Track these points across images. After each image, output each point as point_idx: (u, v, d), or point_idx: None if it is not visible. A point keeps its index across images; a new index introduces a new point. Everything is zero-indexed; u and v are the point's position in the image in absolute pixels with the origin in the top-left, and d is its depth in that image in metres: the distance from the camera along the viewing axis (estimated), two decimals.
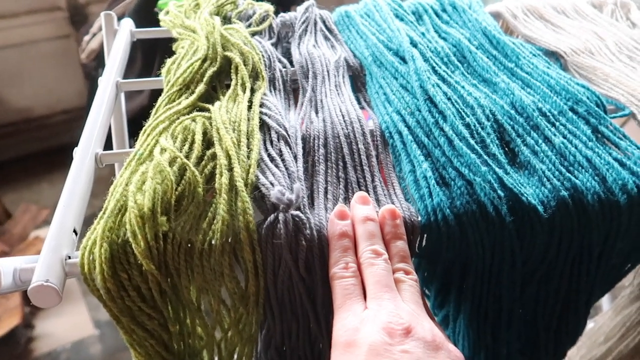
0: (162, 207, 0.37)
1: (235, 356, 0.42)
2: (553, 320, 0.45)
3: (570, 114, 0.49)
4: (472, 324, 0.45)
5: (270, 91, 0.54)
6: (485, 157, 0.42)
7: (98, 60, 1.30)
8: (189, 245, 0.37)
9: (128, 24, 0.66)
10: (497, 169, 0.41)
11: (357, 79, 0.58)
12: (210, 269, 0.37)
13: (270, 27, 0.65)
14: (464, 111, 0.47)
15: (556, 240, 0.40)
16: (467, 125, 0.46)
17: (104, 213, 0.38)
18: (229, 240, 0.37)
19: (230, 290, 0.37)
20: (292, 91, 0.56)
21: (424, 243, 0.40)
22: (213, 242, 0.37)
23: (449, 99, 0.48)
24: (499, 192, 0.40)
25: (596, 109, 0.49)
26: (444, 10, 0.67)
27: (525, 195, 0.40)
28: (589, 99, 0.51)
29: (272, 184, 0.40)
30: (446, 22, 0.65)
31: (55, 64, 2.05)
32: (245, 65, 0.53)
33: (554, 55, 0.62)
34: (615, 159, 0.45)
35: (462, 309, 0.44)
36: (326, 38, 0.64)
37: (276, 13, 0.68)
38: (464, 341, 0.47)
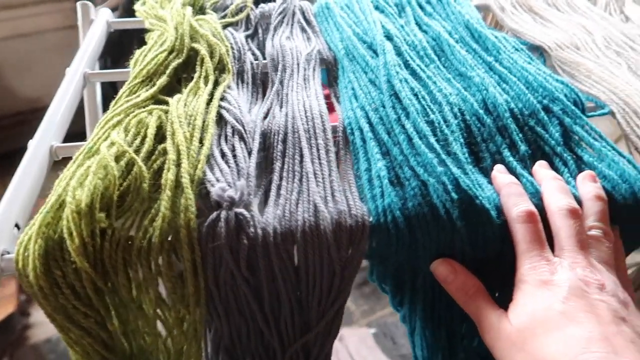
0: (102, 203, 0.36)
1: (184, 357, 0.41)
2: None
3: (543, 113, 0.46)
4: (427, 326, 0.43)
5: (238, 84, 0.52)
6: (445, 156, 0.40)
7: None
8: (129, 242, 0.36)
9: (105, 14, 0.65)
10: (454, 170, 0.39)
11: (330, 73, 0.56)
12: (149, 268, 0.36)
13: (248, 18, 0.64)
14: (429, 108, 0.45)
15: (509, 247, 0.38)
16: (431, 123, 0.44)
17: (44, 208, 0.37)
18: (169, 238, 0.36)
19: (168, 289, 0.36)
20: (262, 84, 0.55)
21: (374, 244, 0.39)
22: (153, 239, 0.36)
23: (415, 94, 0.46)
24: (453, 194, 0.38)
25: (572, 107, 0.47)
26: (428, 2, 0.65)
27: (480, 198, 0.38)
28: (567, 97, 0.49)
29: (218, 180, 0.38)
30: (429, 14, 0.63)
31: (62, 54, 2.06)
32: (211, 57, 0.51)
33: (539, 50, 0.59)
34: (586, 163, 0.43)
35: (417, 310, 0.43)
36: (303, 30, 0.62)
37: (257, 3, 0.67)
38: (421, 341, 0.45)
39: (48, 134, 0.46)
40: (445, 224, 0.37)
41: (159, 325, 0.40)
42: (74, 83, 0.53)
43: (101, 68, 0.63)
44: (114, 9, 1.00)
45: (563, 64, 0.56)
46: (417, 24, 0.61)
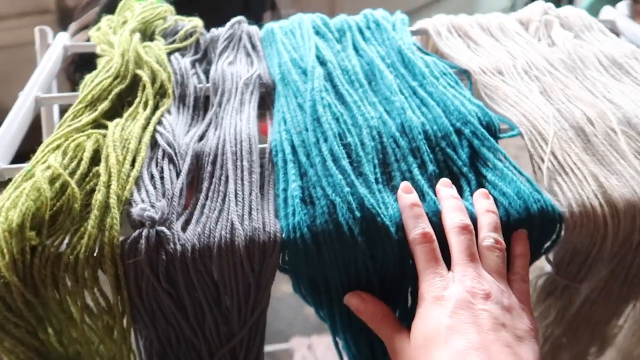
0: (33, 222, 0.39)
1: None
2: None
3: (454, 136, 0.51)
4: (348, 336, 0.47)
5: (179, 107, 0.56)
6: (354, 177, 0.44)
7: (75, 64, 1.34)
8: (58, 258, 0.39)
9: (62, 38, 0.69)
10: (361, 190, 0.43)
11: (268, 97, 0.60)
12: (76, 281, 0.39)
13: (197, 42, 0.68)
14: (349, 131, 0.49)
15: (409, 261, 0.42)
16: (347, 145, 0.48)
17: None
18: (94, 254, 0.39)
19: (93, 301, 0.40)
20: (204, 107, 0.59)
21: (287, 258, 0.42)
22: (80, 255, 0.39)
23: (337, 119, 0.51)
24: (356, 212, 0.42)
25: (482, 130, 0.51)
26: (368, 28, 0.69)
27: (381, 216, 0.42)
28: (480, 119, 0.53)
29: (142, 200, 0.42)
30: (367, 39, 0.67)
31: None
32: (153, 83, 0.55)
33: (467, 73, 0.64)
34: (489, 181, 0.47)
35: (337, 320, 0.46)
36: (247, 54, 0.66)
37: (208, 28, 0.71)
38: (347, 351, 0.49)
39: None
40: (348, 240, 0.41)
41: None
42: (25, 107, 0.56)
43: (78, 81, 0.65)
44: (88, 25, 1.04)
45: (485, 88, 0.60)
46: (355, 48, 0.65)
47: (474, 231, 0.43)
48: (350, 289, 0.44)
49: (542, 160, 0.50)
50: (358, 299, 0.43)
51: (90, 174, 0.45)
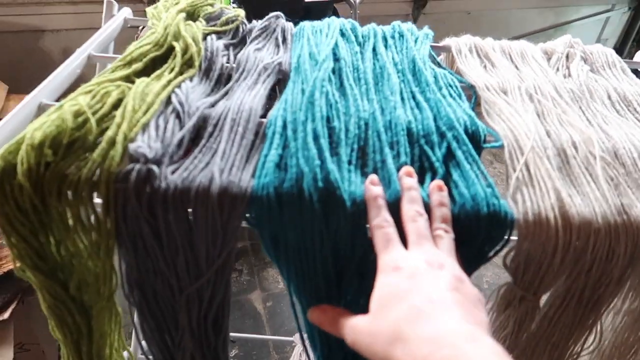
0: (52, 143, 0.48)
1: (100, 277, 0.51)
2: None
3: (435, 136, 0.54)
4: (300, 296, 0.52)
5: (202, 79, 0.64)
6: (327, 154, 0.49)
7: None
8: (66, 175, 0.47)
9: (124, 12, 0.79)
10: (329, 165, 0.48)
11: (284, 83, 0.66)
12: (74, 197, 0.47)
13: (237, 29, 0.76)
14: (337, 117, 0.55)
15: (361, 235, 0.46)
16: (332, 128, 0.53)
17: (13, 139, 0.49)
18: (94, 177, 0.47)
19: (86, 217, 0.47)
20: (226, 83, 0.66)
21: (253, 213, 0.48)
22: (82, 175, 0.47)
23: (330, 105, 0.56)
24: (319, 183, 0.47)
25: (464, 136, 0.55)
26: (392, 37, 0.75)
27: (340, 189, 0.47)
28: (467, 127, 0.56)
29: (143, 141, 0.49)
30: (388, 46, 0.72)
31: None
32: (183, 54, 0.63)
33: (473, 88, 0.67)
34: (453, 180, 0.51)
35: (292, 277, 0.51)
36: (277, 45, 0.73)
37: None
38: (302, 309, 0.53)
39: (42, 93, 0.59)
40: (307, 205, 0.46)
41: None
42: (78, 60, 0.66)
43: None
44: None
45: (485, 102, 0.64)
46: (374, 52, 0.71)
47: (428, 219, 0.47)
48: (306, 249, 0.48)
49: (515, 171, 0.53)
50: (318, 310, 0.48)
51: (110, 116, 0.53)
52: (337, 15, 1.57)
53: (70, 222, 0.48)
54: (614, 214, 0.49)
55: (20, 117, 0.55)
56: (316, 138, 0.51)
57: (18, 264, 0.50)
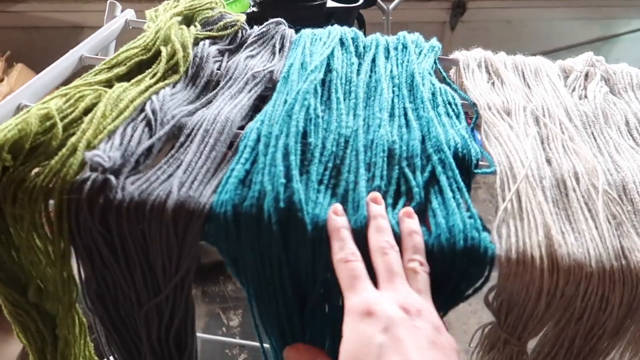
0: (12, 147, 0.46)
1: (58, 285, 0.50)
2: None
3: (419, 159, 0.50)
4: (262, 314, 0.48)
5: (187, 85, 0.62)
6: (295, 172, 0.46)
7: None
8: (22, 181, 0.46)
9: (127, 13, 0.78)
10: (295, 185, 0.45)
11: (271, 91, 0.63)
12: (29, 204, 0.45)
13: (236, 35, 0.73)
14: (315, 132, 0.51)
15: (323, 263, 0.43)
16: (306, 144, 0.50)
17: None
18: (50, 185, 0.45)
19: (38, 223, 0.46)
20: (212, 90, 0.64)
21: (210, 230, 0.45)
22: (38, 182, 0.45)
23: (309, 119, 0.53)
24: (281, 203, 0.43)
25: (451, 160, 0.50)
26: (395, 49, 0.70)
27: (303, 212, 0.43)
28: (458, 150, 0.52)
29: (104, 150, 0.47)
30: (389, 58, 0.68)
31: None
32: (169, 59, 0.61)
33: (475, 107, 0.62)
34: (432, 208, 0.46)
35: (252, 296, 0.48)
36: (272, 53, 0.70)
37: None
38: (260, 322, 0.49)
39: (23, 94, 0.58)
40: (264, 227, 0.43)
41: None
42: (68, 61, 0.65)
43: None
44: None
45: (485, 123, 0.59)
46: (373, 62, 0.67)
47: (399, 250, 0.42)
48: (265, 274, 0.45)
49: (504, 201, 0.48)
50: (293, 351, 0.44)
51: (79, 121, 0.51)
52: (363, 22, 1.53)
53: (25, 227, 0.47)
54: (610, 258, 0.43)
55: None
56: (286, 154, 0.48)
57: None
